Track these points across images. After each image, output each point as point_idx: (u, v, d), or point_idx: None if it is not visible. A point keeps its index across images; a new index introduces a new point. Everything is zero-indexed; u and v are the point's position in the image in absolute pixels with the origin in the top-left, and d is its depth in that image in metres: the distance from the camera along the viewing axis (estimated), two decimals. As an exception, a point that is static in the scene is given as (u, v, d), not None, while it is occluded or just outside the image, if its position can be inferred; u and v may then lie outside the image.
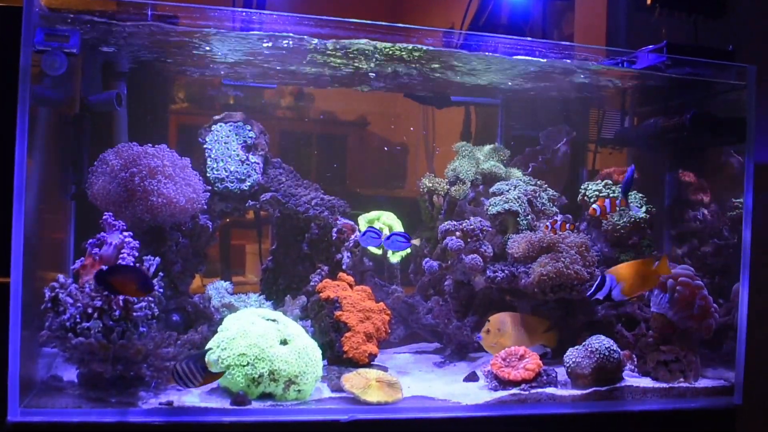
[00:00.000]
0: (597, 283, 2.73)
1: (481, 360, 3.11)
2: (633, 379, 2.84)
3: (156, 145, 2.83)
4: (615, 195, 3.30)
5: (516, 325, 3.01)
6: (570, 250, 3.04)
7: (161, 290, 2.47)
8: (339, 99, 4.08)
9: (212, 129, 3.31)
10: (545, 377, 2.70)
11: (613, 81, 3.30)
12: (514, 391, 2.64)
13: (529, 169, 3.69)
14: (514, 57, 2.94)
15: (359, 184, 4.18)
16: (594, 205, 3.10)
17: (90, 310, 2.28)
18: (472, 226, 3.17)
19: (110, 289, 2.28)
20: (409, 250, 3.36)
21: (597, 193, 3.36)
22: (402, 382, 2.61)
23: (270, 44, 2.78)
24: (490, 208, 3.33)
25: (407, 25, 2.71)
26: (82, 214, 2.96)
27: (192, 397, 2.38)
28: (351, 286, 3.03)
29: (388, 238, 2.96)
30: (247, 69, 3.28)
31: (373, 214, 3.37)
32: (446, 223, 3.26)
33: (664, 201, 3.58)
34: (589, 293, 2.78)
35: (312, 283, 3.12)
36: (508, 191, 3.37)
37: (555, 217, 3.28)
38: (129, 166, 2.68)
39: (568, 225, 3.14)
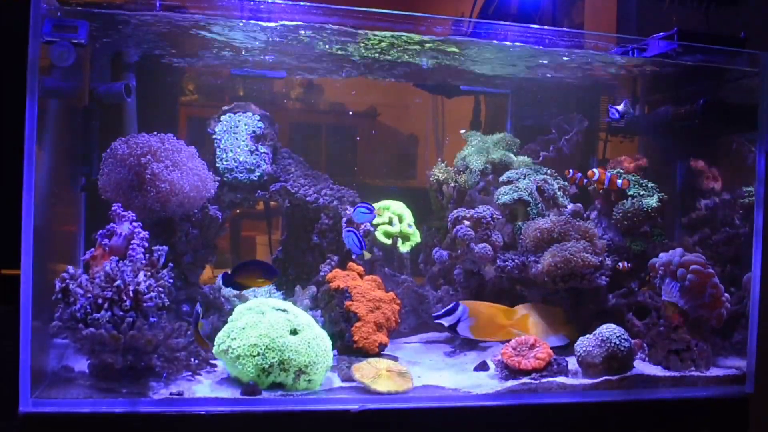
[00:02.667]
0: (449, 308, 2.72)
1: (491, 349, 3.10)
2: (644, 368, 2.83)
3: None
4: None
5: (542, 315, 3.05)
6: (579, 239, 3.03)
7: (171, 281, 2.47)
8: (348, 89, 4.07)
9: (221, 119, 3.31)
10: (556, 366, 2.69)
11: (623, 69, 3.28)
12: (525, 380, 2.63)
13: (540, 158, 3.67)
14: (525, 45, 2.92)
15: (369, 174, 4.17)
16: (594, 169, 3.15)
17: (100, 301, 2.28)
18: (482, 214, 3.16)
19: (238, 287, 2.84)
20: (419, 240, 3.36)
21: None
22: (412, 372, 2.61)
23: (278, 32, 2.78)
24: (500, 197, 3.32)
25: (415, 14, 2.69)
26: (91, 206, 2.97)
27: (202, 387, 2.40)
28: (361, 276, 3.03)
29: (354, 209, 3.10)
30: (256, 58, 3.27)
31: (383, 203, 3.37)
32: (456, 210, 3.25)
33: (676, 189, 3.55)
34: (435, 314, 2.78)
35: (322, 273, 3.12)
36: (518, 180, 3.35)
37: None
38: (136, 153, 2.69)
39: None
